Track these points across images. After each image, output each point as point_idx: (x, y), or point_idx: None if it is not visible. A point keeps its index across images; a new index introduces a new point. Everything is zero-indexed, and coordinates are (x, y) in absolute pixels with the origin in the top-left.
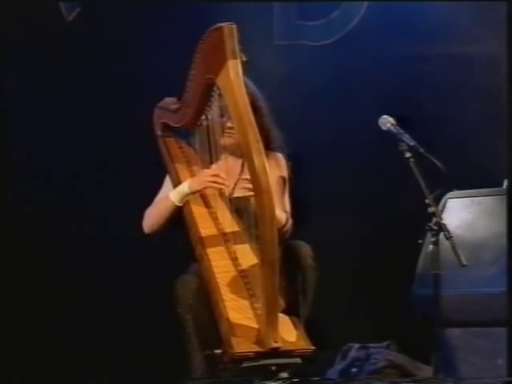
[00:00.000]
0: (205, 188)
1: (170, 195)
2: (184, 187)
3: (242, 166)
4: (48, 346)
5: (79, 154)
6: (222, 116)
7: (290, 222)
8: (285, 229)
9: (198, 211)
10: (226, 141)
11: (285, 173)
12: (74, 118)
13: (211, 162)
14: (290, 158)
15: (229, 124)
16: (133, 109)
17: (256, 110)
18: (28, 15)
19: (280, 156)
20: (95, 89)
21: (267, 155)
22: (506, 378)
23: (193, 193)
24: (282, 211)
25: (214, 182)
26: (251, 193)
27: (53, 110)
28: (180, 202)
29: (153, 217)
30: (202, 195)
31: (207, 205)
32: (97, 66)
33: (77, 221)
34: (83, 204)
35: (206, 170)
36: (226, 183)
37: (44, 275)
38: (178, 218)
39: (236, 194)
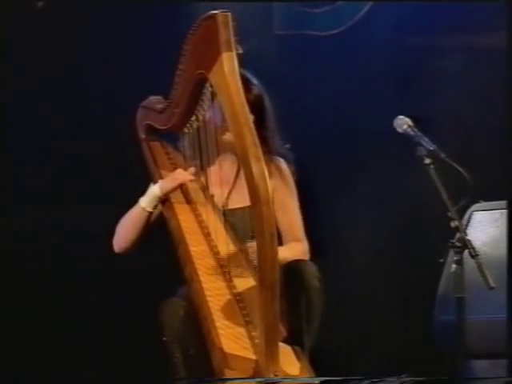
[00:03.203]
0: (177, 185)
1: (139, 201)
2: (155, 189)
3: (238, 172)
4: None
5: (72, 154)
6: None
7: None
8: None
9: (188, 226)
10: (227, 137)
11: (290, 182)
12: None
13: (202, 169)
14: (292, 162)
15: None
16: (120, 108)
17: (263, 113)
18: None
19: (281, 161)
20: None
21: (266, 162)
22: (506, 378)
23: (164, 194)
24: (298, 242)
25: (186, 178)
26: (248, 203)
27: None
28: (150, 207)
29: (123, 230)
30: (192, 208)
31: (198, 218)
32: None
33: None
34: (66, 214)
35: (178, 169)
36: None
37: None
38: (164, 233)
39: (231, 206)
